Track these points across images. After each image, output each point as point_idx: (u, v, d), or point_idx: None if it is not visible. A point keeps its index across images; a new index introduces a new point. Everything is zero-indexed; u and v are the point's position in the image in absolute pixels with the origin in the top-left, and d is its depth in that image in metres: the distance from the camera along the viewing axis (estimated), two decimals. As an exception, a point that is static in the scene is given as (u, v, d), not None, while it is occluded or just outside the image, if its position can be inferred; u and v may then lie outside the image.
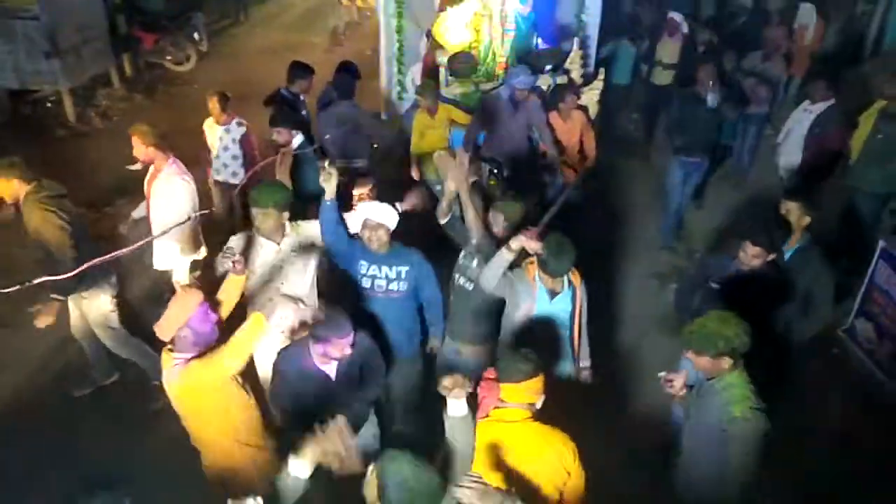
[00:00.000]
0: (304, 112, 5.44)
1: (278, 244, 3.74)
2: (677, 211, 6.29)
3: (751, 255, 3.52)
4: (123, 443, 4.09)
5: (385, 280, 3.74)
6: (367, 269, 3.73)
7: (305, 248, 3.82)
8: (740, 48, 7.33)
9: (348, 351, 3.11)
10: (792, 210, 3.91)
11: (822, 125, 5.48)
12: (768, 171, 6.63)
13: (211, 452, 3.12)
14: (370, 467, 2.14)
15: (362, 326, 3.33)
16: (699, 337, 2.84)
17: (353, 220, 3.81)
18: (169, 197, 4.51)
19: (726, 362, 2.83)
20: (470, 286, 3.78)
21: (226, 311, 3.26)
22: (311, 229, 3.78)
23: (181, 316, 2.87)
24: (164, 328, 2.91)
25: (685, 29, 7.67)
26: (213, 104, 5.42)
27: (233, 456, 3.08)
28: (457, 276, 3.89)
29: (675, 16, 7.61)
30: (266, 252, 3.74)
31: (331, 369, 3.22)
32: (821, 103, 5.62)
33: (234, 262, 3.20)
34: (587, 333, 3.78)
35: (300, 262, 3.81)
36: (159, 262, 4.84)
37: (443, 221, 3.80)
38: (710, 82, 5.62)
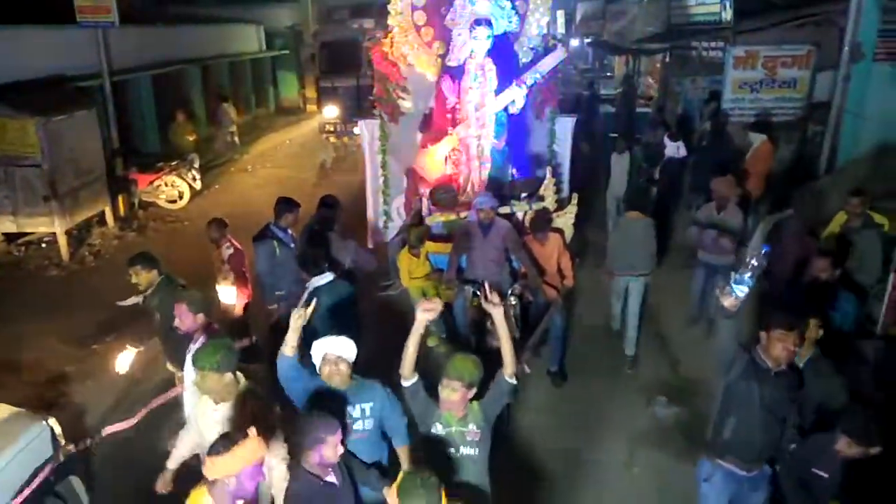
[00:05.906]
0: (292, 245, 5.64)
1: (216, 403, 3.47)
2: None
3: (845, 445, 3.43)
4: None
5: (350, 420, 3.46)
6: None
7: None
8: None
9: (341, 449, 3.00)
10: (811, 325, 4.00)
11: (781, 234, 5.86)
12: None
13: None
14: None
15: None
16: None
17: (315, 353, 3.55)
18: None
19: None
20: (469, 451, 3.35)
21: None
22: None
23: (239, 463, 2.62)
24: (215, 467, 2.62)
25: None
26: (210, 231, 5.79)
27: None
28: (451, 450, 3.34)
29: None
30: (204, 406, 3.54)
31: (333, 477, 3.08)
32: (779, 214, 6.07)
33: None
34: None
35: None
36: None
37: (407, 384, 3.32)
38: None
